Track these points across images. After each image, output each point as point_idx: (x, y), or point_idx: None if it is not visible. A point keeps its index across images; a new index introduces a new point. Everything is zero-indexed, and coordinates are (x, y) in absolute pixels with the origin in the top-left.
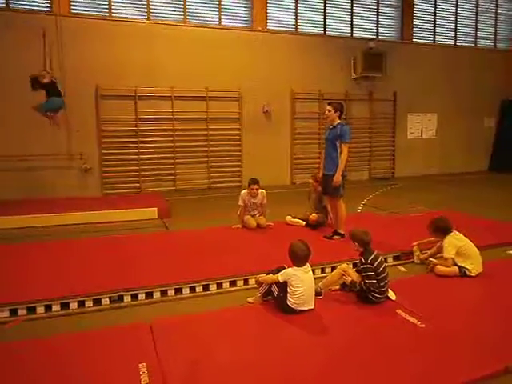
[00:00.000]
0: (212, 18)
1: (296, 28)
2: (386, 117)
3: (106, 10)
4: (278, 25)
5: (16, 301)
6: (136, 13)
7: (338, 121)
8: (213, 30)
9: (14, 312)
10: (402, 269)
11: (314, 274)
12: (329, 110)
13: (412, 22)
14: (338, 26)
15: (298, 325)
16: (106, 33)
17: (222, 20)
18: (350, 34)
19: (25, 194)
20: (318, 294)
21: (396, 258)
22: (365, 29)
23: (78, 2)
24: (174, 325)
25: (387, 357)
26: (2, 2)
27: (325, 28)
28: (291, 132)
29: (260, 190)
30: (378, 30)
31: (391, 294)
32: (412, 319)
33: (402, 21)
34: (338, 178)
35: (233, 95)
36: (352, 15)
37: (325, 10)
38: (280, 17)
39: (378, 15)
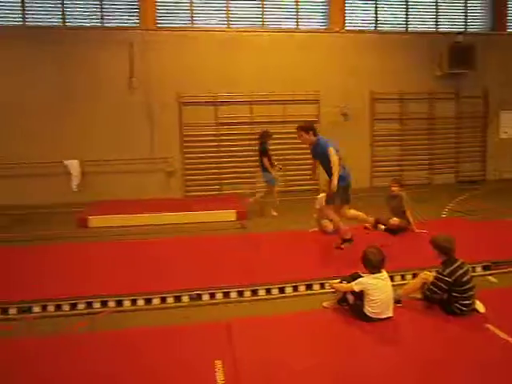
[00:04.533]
0: (289, 22)
1: (375, 27)
2: (475, 115)
3: (188, 21)
4: (356, 25)
5: (106, 293)
6: (216, 22)
7: (315, 138)
8: (290, 34)
9: (104, 304)
10: (493, 279)
11: (392, 280)
12: (301, 135)
13: (506, 10)
14: (422, 21)
15: (374, 333)
16: (188, 42)
17: (300, 23)
18: (434, 29)
19: (118, 195)
20: (397, 301)
21: (486, 268)
22: (451, 22)
23: (162, 16)
24: (251, 325)
25: (473, 376)
26: (98, 22)
27: (407, 24)
28: (371, 134)
29: None
30: (466, 22)
31: (479, 307)
32: (504, 335)
33: (493, 10)
34: (333, 184)
35: (310, 98)
36: (437, 8)
37: (407, 5)
38: (358, 17)
39: (466, 6)
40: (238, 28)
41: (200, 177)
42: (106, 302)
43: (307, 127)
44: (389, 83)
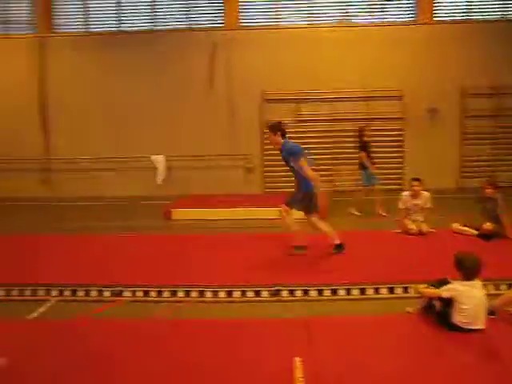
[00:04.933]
0: (374, 15)
1: (467, 15)
2: None
3: (271, 20)
4: (445, 15)
5: (190, 283)
6: (298, 19)
7: (282, 141)
8: (376, 28)
9: (187, 293)
10: None
11: (485, 290)
12: (269, 136)
13: None
14: None
15: (460, 344)
16: (270, 40)
17: (386, 16)
18: None
19: (199, 189)
20: (490, 313)
21: None
22: None
23: (245, 15)
24: (331, 324)
25: None
26: (186, 25)
27: (504, 11)
28: (460, 132)
29: (424, 192)
30: None
31: None
32: None
33: None
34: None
35: (394, 94)
36: None
37: None
38: (448, 6)
39: None
40: (320, 24)
41: (279, 173)
42: (189, 291)
43: (274, 127)
44: (481, 76)
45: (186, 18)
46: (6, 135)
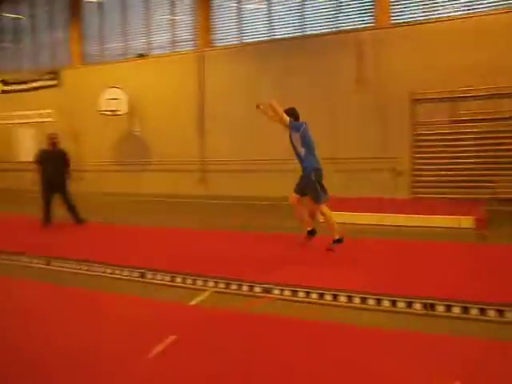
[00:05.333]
0: None
1: None
2: None
3: (425, 13)
4: None
5: (338, 287)
6: (454, 10)
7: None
8: None
9: (334, 297)
10: None
11: None
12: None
13: None
14: None
15: None
16: (423, 36)
17: None
18: None
19: (345, 192)
20: None
21: None
22: None
23: (397, 11)
24: (495, 350)
25: None
26: (334, 27)
27: None
28: None
29: None
30: None
31: None
32: None
33: None
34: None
35: None
36: None
37: None
38: None
39: None
40: (480, 12)
41: (430, 178)
42: (336, 295)
43: (289, 111)
44: None
45: (335, 20)
46: (172, 139)
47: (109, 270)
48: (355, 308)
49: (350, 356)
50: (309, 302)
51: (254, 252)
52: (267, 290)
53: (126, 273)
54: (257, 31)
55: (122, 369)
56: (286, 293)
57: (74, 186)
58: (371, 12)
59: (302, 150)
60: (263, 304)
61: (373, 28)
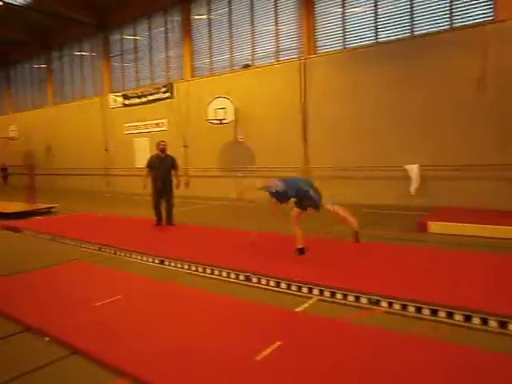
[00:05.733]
0: None
1: None
2: None
3: None
4: None
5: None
6: None
7: None
8: None
9: (449, 315)
10: None
11: None
12: None
13: None
14: None
15: None
16: None
17: None
18: None
19: (455, 201)
20: None
21: None
22: None
23: None
24: None
25: None
26: (448, 24)
27: None
28: None
29: None
30: None
31: None
32: None
33: None
34: None
35: None
36: None
37: None
38: None
39: None
40: None
41: None
42: (451, 313)
43: None
44: None
45: (448, 16)
46: (274, 146)
47: (216, 272)
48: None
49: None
50: (420, 318)
51: (358, 261)
52: (374, 302)
53: (233, 275)
54: (361, 35)
55: (229, 370)
56: (396, 306)
57: (181, 191)
58: (490, 4)
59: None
60: (370, 316)
61: (494, 22)
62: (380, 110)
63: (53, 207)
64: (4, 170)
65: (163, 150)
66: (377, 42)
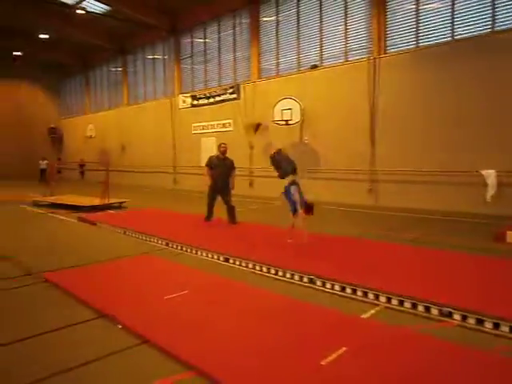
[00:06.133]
0: None
1: None
2: None
3: None
4: None
5: None
6: None
7: None
8: None
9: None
10: None
11: None
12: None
13: None
14: None
15: None
16: None
17: None
18: None
19: None
20: None
21: None
22: None
23: None
24: None
25: None
26: (487, 28)
27: None
28: None
29: None
30: None
31: None
32: None
33: None
34: None
35: None
36: None
37: None
38: None
39: None
40: None
41: None
42: None
43: None
44: None
45: None
46: (341, 147)
47: (280, 273)
48: None
49: None
50: (496, 335)
51: (430, 270)
52: (446, 314)
53: (296, 277)
54: (436, 33)
55: (294, 372)
56: (471, 321)
57: (245, 190)
58: None
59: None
60: (441, 328)
61: None
62: (455, 111)
63: (124, 202)
64: (82, 165)
65: (224, 152)
66: (453, 38)
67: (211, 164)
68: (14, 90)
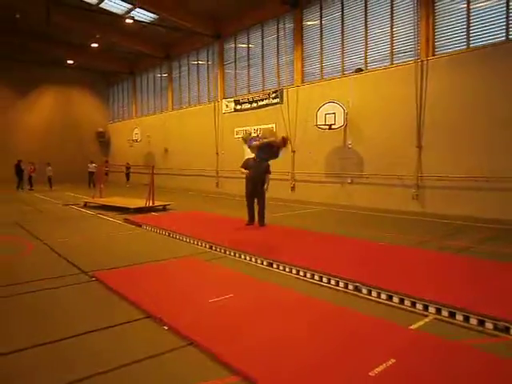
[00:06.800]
0: None
1: None
2: None
3: None
4: None
5: None
6: None
7: None
8: None
9: None
10: None
11: None
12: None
13: None
14: None
15: None
16: None
17: None
18: None
19: None
20: None
21: None
22: None
23: None
24: None
25: None
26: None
27: None
28: None
29: None
30: None
31: None
32: None
33: None
34: None
35: None
36: None
37: None
38: None
39: None
40: None
41: None
42: None
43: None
44: None
45: None
46: (385, 152)
47: (325, 279)
48: None
49: None
50: None
51: (481, 281)
52: (501, 329)
53: (341, 284)
54: (488, 33)
55: (342, 383)
56: None
57: (287, 194)
58: None
59: None
60: (495, 343)
61: None
62: (507, 113)
63: (168, 204)
64: (128, 168)
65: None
66: (507, 38)
67: (247, 166)
68: (65, 95)
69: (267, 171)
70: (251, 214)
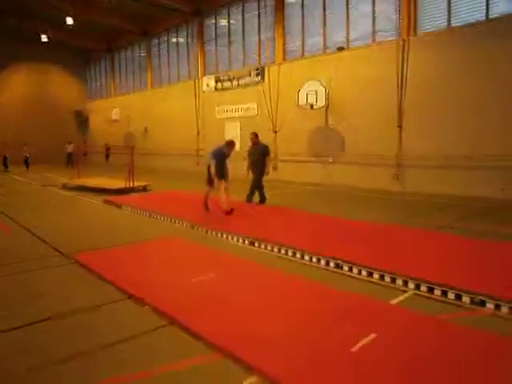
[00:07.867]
0: None
1: None
2: None
3: None
4: None
5: None
6: None
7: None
8: None
9: None
10: None
11: None
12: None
13: None
14: None
15: None
16: None
17: None
18: None
19: None
20: None
21: None
22: None
23: None
24: None
25: None
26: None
27: None
28: None
29: None
30: None
31: None
32: None
33: None
34: None
35: None
36: None
37: None
38: None
39: None
40: None
41: None
42: None
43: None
44: None
45: None
46: (366, 132)
47: (306, 257)
48: None
49: None
50: None
51: (460, 257)
52: (478, 303)
53: (323, 262)
54: (470, 11)
55: (324, 359)
56: (504, 309)
57: (270, 174)
58: None
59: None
60: (473, 317)
61: None
62: (493, 92)
63: (148, 185)
64: (107, 149)
65: (254, 143)
66: (491, 18)
67: (248, 152)
68: (41, 73)
69: (266, 152)
70: (262, 194)
